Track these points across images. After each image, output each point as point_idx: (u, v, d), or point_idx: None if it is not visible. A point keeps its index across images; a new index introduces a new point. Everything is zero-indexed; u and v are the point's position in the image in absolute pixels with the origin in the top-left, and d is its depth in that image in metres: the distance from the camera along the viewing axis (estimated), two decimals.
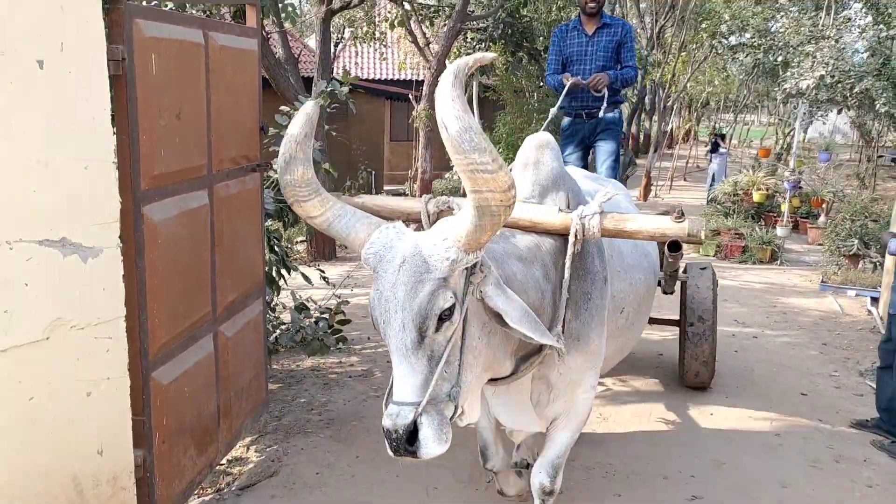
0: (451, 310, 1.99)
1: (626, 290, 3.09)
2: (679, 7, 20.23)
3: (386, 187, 14.63)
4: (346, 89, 5.50)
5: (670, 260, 3.70)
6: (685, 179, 22.39)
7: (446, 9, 12.83)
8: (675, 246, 2.80)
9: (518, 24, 13.30)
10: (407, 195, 12.24)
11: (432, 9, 13.38)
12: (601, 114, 4.86)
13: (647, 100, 24.45)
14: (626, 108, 23.90)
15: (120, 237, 2.63)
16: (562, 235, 2.59)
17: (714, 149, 16.14)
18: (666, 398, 4.91)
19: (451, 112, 1.75)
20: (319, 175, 6.24)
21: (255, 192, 3.75)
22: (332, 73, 11.20)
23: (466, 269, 2.04)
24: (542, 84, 13.25)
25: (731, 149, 25.85)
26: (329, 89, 5.51)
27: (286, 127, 5.50)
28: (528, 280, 2.39)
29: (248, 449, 4.03)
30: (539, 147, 2.79)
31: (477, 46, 13.71)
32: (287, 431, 4.24)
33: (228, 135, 3.41)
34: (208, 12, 6.95)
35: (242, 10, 4.92)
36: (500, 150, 13.48)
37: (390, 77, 19.19)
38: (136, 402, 2.79)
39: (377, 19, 15.67)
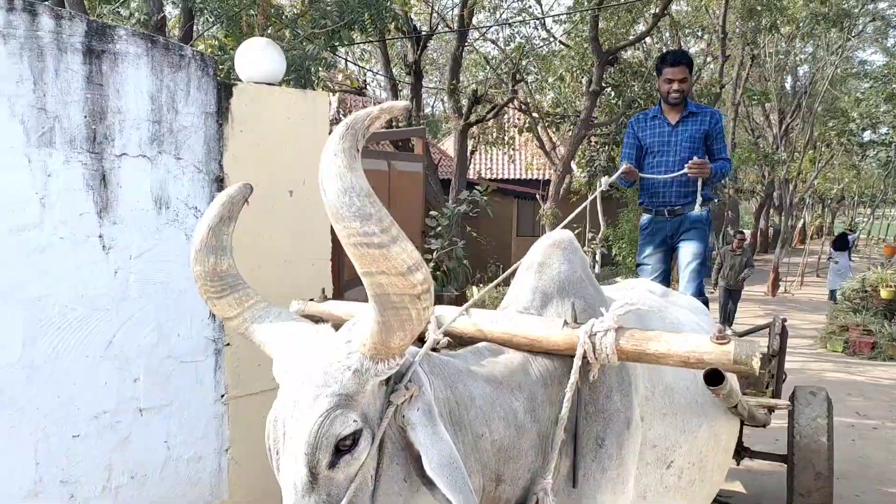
0: (354, 438, 1.48)
1: (676, 437, 2.36)
2: (804, 105, 20.40)
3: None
4: (485, 198, 6.48)
5: (715, 397, 2.45)
6: (818, 275, 21.87)
7: (571, 116, 13.88)
8: (715, 377, 1.97)
9: None
10: None
11: (558, 115, 14.49)
12: (696, 210, 4.19)
13: (775, 195, 24.35)
14: (753, 204, 23.89)
15: None
16: (568, 356, 1.96)
17: (841, 245, 15.68)
18: (775, 478, 5.27)
19: (333, 169, 1.32)
20: (461, 270, 7.17)
21: None
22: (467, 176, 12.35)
23: (385, 383, 1.55)
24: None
25: (859, 246, 24.89)
26: (471, 198, 6.51)
27: (433, 228, 6.55)
28: (496, 408, 1.79)
29: None
30: (550, 246, 2.20)
31: (601, 149, 14.63)
32: None
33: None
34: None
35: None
36: (623, 244, 14.09)
37: (518, 177, 20.37)
38: None
39: (507, 125, 17.00)
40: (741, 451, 4.10)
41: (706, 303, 4.02)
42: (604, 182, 3.84)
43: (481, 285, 12.99)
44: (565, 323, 1.97)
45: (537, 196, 15.73)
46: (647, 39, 14.78)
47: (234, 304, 1.76)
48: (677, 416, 2.38)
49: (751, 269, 11.43)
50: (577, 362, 1.90)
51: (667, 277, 4.42)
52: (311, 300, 2.67)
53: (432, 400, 1.59)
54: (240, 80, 3.30)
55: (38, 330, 2.61)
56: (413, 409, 1.54)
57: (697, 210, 4.19)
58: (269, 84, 3.28)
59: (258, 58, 3.24)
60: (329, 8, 6.12)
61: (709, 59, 18.62)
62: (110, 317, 2.80)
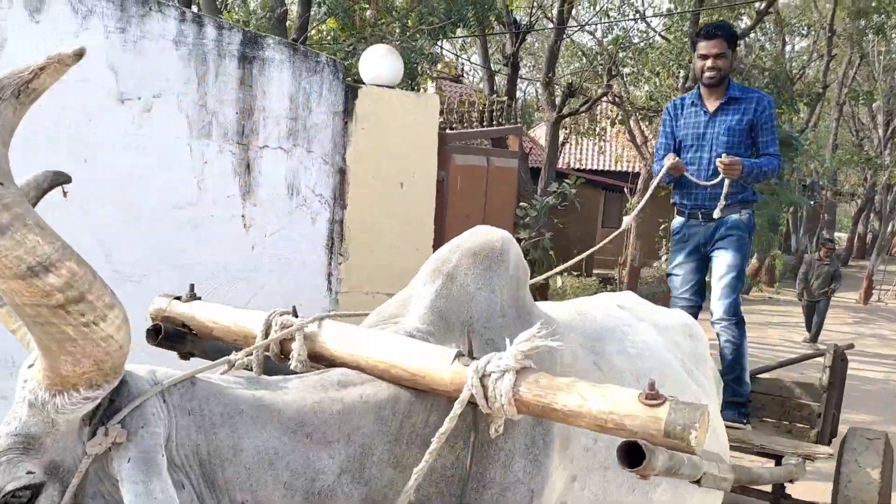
0: (31, 495, 1.13)
1: (622, 497, 1.87)
2: None
3: (596, 271, 15.65)
4: (573, 190, 6.75)
5: (638, 478, 1.41)
6: None
7: None
8: (632, 455, 1.28)
9: None
10: (614, 280, 13.14)
11: (652, 110, 14.45)
12: (716, 213, 3.58)
13: (876, 200, 23.42)
14: (853, 207, 22.91)
15: None
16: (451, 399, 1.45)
17: None
18: None
19: None
20: (545, 260, 7.46)
21: None
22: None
23: (88, 424, 1.18)
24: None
25: None
26: (560, 190, 6.80)
27: (522, 218, 6.87)
28: (276, 468, 1.32)
29: None
30: (471, 255, 1.69)
31: None
32: None
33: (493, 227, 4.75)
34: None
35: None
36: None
37: (606, 168, 20.35)
38: None
39: (599, 116, 17.03)
40: (780, 500, 3.61)
41: (741, 324, 3.59)
42: (625, 220, 3.53)
43: (564, 275, 13.20)
44: (459, 355, 1.45)
45: (625, 189, 15.77)
46: (751, 35, 14.51)
47: (13, 315, 1.38)
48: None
49: (837, 283, 10.90)
50: (456, 408, 1.40)
51: (701, 290, 3.82)
52: (178, 298, 1.92)
53: (157, 446, 1.18)
54: (362, 83, 3.70)
55: None
56: (122, 460, 1.15)
57: (717, 214, 3.57)
58: (389, 87, 3.67)
59: (379, 63, 3.64)
60: (436, 5, 6.48)
61: (814, 55, 18.04)
62: (246, 285, 3.28)
